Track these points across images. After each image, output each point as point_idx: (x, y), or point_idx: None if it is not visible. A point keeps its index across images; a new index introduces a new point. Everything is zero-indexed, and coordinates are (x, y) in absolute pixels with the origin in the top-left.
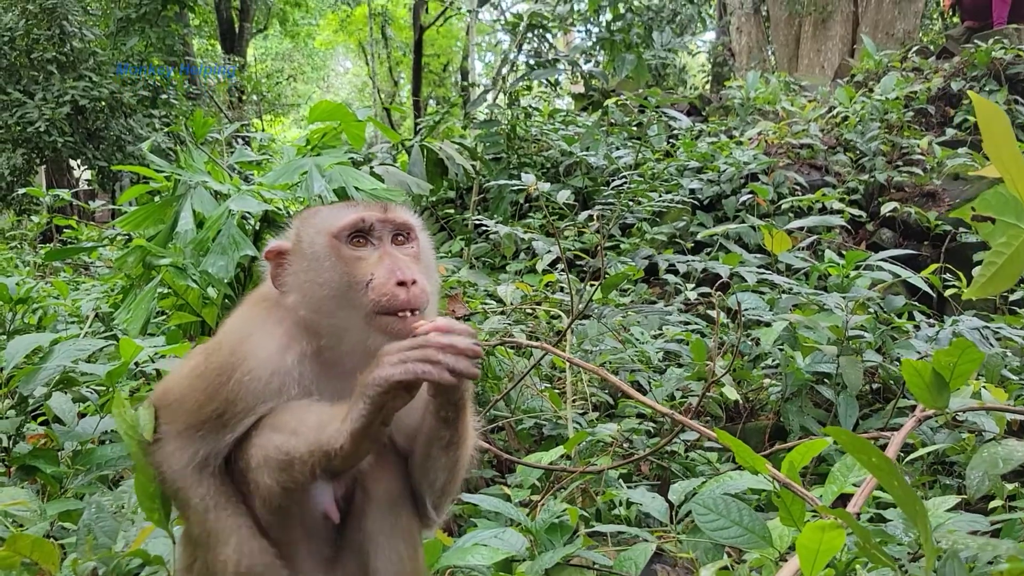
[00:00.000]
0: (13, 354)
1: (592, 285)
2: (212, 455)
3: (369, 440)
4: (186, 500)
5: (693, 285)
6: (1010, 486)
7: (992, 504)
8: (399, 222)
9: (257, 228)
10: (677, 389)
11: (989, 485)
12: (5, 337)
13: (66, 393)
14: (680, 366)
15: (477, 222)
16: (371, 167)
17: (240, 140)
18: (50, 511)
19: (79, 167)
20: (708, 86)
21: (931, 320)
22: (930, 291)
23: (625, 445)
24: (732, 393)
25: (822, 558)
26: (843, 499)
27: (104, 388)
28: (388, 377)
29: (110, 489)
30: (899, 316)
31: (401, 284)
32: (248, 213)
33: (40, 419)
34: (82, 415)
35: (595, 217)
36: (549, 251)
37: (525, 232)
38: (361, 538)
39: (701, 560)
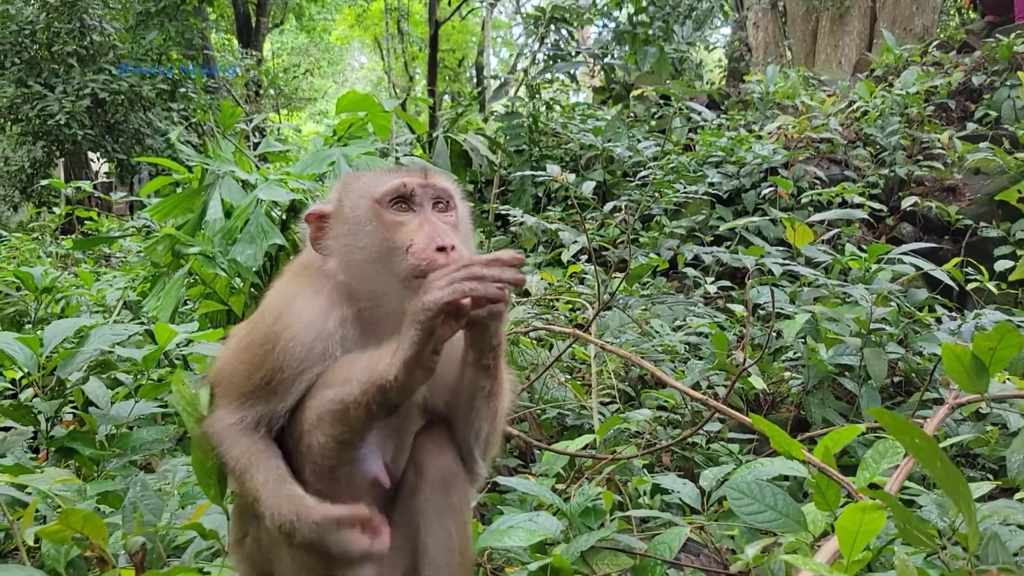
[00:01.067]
0: (51, 338)
1: (617, 276)
2: (262, 422)
3: (421, 370)
4: (226, 461)
5: (712, 279)
6: None
7: (1017, 496)
8: (439, 188)
9: (284, 218)
10: (699, 381)
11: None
12: (32, 326)
13: (101, 378)
14: (700, 358)
15: (499, 213)
16: (396, 158)
17: (259, 133)
18: (91, 491)
19: (98, 160)
20: (724, 81)
21: (953, 314)
22: (952, 284)
23: (647, 436)
24: (759, 382)
25: (861, 540)
26: (871, 489)
27: (137, 373)
28: (437, 300)
29: (141, 472)
30: (921, 309)
31: (441, 250)
32: (275, 202)
33: (69, 405)
34: (112, 402)
35: (621, 208)
36: (575, 241)
37: (551, 223)
38: (411, 514)
39: (737, 545)
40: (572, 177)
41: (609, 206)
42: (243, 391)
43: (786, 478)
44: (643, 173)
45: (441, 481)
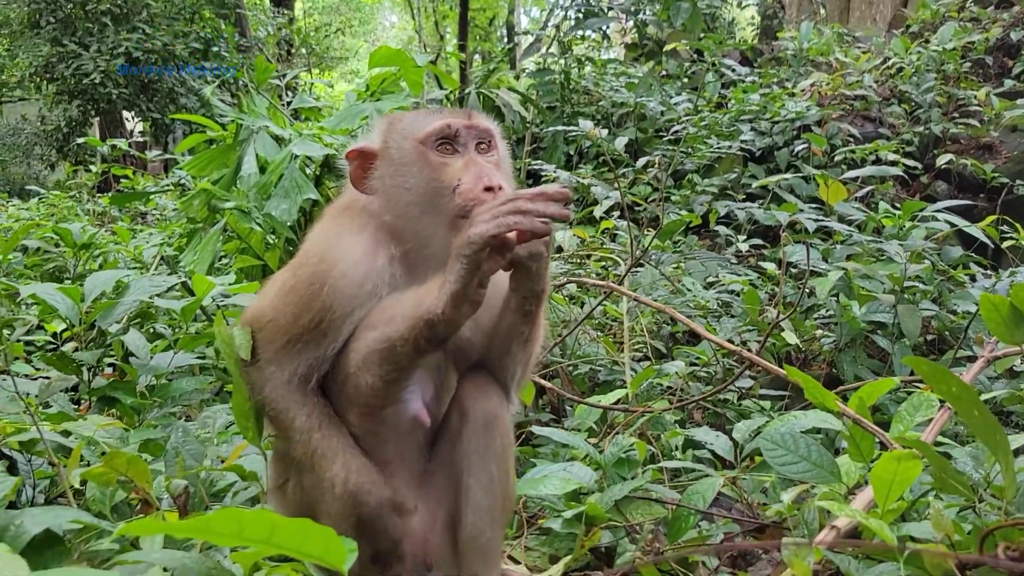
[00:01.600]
0: (91, 290)
1: (649, 233)
2: (312, 370)
3: (468, 303)
4: (289, 421)
5: (744, 237)
6: None
7: None
8: (482, 128)
9: (318, 173)
10: (731, 338)
11: None
12: (71, 282)
13: (140, 329)
14: (732, 316)
15: (530, 170)
16: None
17: (291, 92)
18: (132, 439)
19: (132, 119)
20: (757, 39)
21: (987, 271)
22: (987, 242)
23: (679, 392)
24: (792, 337)
25: (896, 489)
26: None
27: (175, 326)
28: (482, 234)
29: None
30: (955, 267)
31: (488, 189)
32: (309, 157)
33: (110, 356)
34: (151, 353)
35: (654, 163)
36: (607, 197)
37: (584, 179)
38: (455, 458)
39: (770, 497)
40: (604, 132)
41: (642, 161)
42: (290, 336)
43: (819, 432)
44: (675, 128)
45: (484, 425)
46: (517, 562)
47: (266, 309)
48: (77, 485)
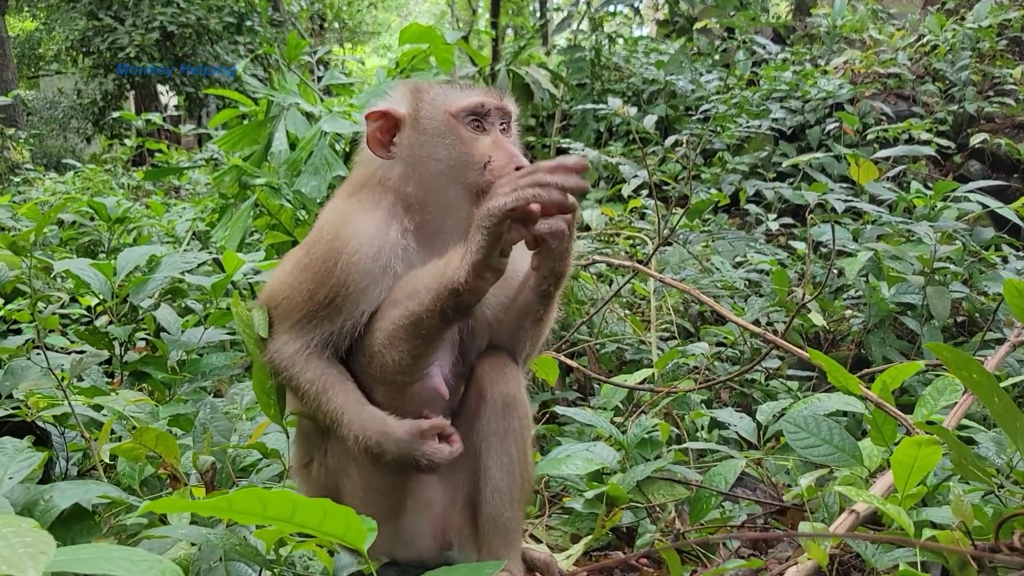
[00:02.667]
0: (124, 265)
1: (677, 211)
2: (327, 343)
3: (491, 270)
4: (297, 387)
5: (775, 216)
6: None
7: None
8: (509, 111)
9: (348, 150)
10: (758, 318)
11: None
12: (105, 256)
13: (172, 304)
14: (761, 295)
15: (560, 147)
16: None
17: (323, 67)
18: (162, 414)
19: (167, 93)
20: (791, 15)
21: (1020, 253)
22: (1020, 223)
23: (706, 372)
24: (818, 319)
25: (916, 474)
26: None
27: (206, 302)
28: (502, 206)
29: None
30: (987, 249)
31: (519, 169)
32: (339, 134)
33: (142, 331)
34: (182, 329)
35: (683, 142)
36: (636, 176)
37: (610, 157)
38: (475, 438)
39: (792, 478)
40: (633, 110)
41: (671, 140)
42: (305, 312)
43: (844, 414)
44: (705, 107)
45: (503, 406)
46: (539, 541)
47: (282, 286)
48: (108, 460)
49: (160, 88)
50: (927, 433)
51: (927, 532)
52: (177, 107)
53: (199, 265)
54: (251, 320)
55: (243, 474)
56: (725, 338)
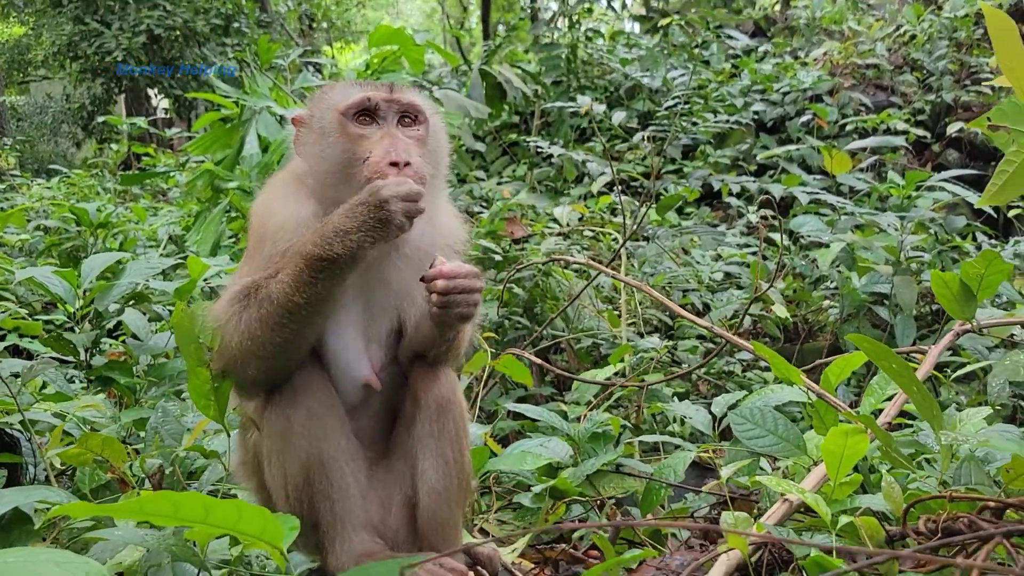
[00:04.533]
0: (89, 272)
1: (647, 206)
2: (252, 285)
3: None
4: (224, 334)
5: (756, 208)
6: None
7: None
8: (405, 103)
9: None
10: (735, 310)
11: (1009, 392)
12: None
13: (143, 311)
14: (740, 287)
15: (535, 146)
16: (431, 91)
17: (311, 67)
18: (124, 419)
19: (156, 96)
20: (778, 6)
21: (993, 240)
22: (993, 213)
23: (683, 364)
24: (781, 311)
25: (847, 462)
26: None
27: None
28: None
29: (182, 401)
30: (963, 237)
31: (394, 164)
32: None
33: (121, 337)
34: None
35: (648, 138)
36: (603, 173)
37: (586, 154)
38: (410, 442)
39: (740, 470)
40: (602, 108)
41: (638, 136)
42: (239, 277)
43: (799, 404)
44: (669, 103)
45: (438, 409)
46: (487, 534)
47: (238, 276)
48: (59, 465)
49: (150, 91)
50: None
51: (855, 519)
52: (167, 110)
53: (175, 268)
54: (189, 324)
55: (194, 476)
56: (703, 331)
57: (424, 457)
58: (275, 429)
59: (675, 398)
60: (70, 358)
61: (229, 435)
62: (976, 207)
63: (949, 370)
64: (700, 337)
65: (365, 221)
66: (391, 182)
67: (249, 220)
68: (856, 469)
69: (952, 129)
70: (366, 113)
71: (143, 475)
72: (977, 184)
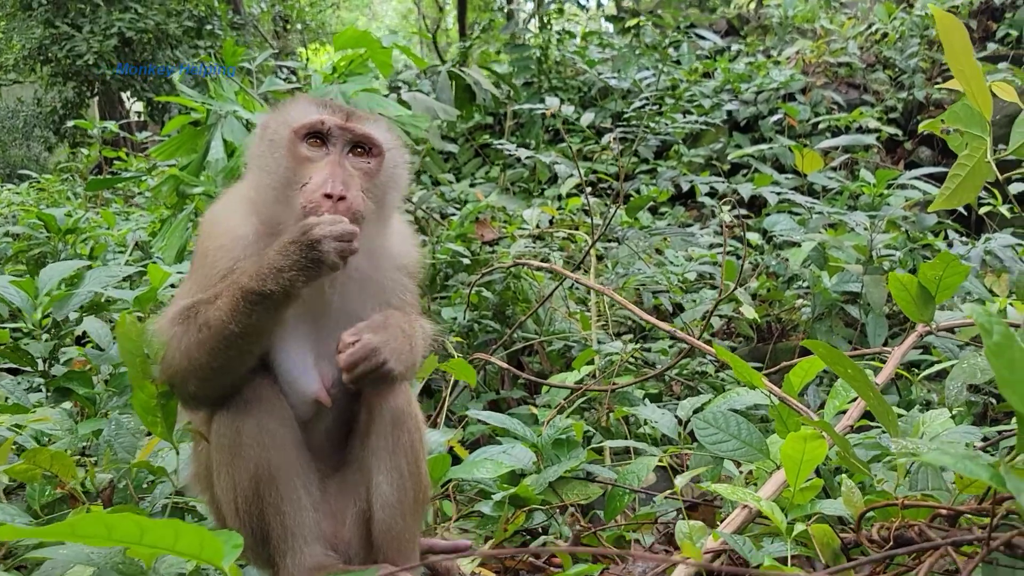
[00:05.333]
0: (47, 281)
1: (617, 208)
2: (192, 307)
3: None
4: (166, 351)
5: (730, 207)
6: None
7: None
8: (359, 133)
9: None
10: (704, 311)
11: (966, 396)
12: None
13: (105, 319)
14: (713, 287)
15: (497, 149)
16: (399, 94)
17: (283, 69)
18: (82, 430)
19: (129, 99)
20: (752, 5)
21: (964, 238)
22: (964, 211)
23: (656, 365)
24: (750, 312)
25: (806, 467)
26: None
27: (139, 313)
28: None
29: None
30: (934, 235)
31: (328, 196)
32: None
33: (89, 344)
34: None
35: (617, 140)
36: (572, 175)
37: (555, 155)
38: (365, 454)
39: (703, 475)
40: (569, 109)
41: (606, 138)
42: (189, 295)
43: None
44: (637, 104)
45: (392, 421)
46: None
47: (182, 292)
48: (7, 481)
49: (124, 95)
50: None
51: (808, 527)
52: (140, 113)
53: (141, 275)
54: (134, 338)
55: (148, 490)
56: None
57: (379, 470)
58: (224, 441)
59: (647, 400)
60: (28, 368)
61: (178, 452)
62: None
63: (919, 369)
64: (673, 337)
65: (298, 260)
66: (325, 220)
67: (198, 233)
68: (819, 473)
69: (924, 127)
70: (318, 136)
71: (95, 490)
72: None
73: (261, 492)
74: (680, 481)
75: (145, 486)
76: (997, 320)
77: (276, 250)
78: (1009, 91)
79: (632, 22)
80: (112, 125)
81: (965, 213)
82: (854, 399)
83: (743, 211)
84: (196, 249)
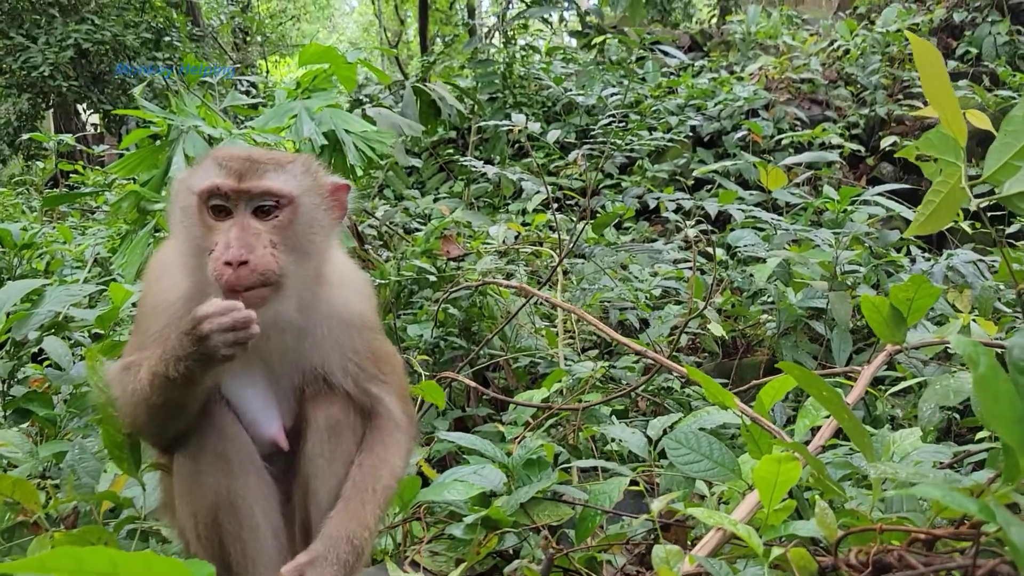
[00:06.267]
0: (6, 299)
1: (585, 224)
2: (127, 367)
3: None
4: (123, 392)
5: (693, 222)
6: None
7: (980, 435)
8: (257, 192)
9: None
10: (674, 326)
11: (940, 418)
12: (12, 282)
13: (62, 337)
14: (679, 303)
15: (463, 165)
16: (363, 109)
17: (245, 83)
18: (43, 453)
19: (86, 111)
20: (714, 20)
21: (927, 254)
22: None
23: (623, 384)
24: (718, 329)
25: (780, 489)
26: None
27: (101, 332)
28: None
29: None
30: (898, 251)
31: (228, 264)
32: None
33: (46, 362)
34: (83, 358)
35: (581, 157)
36: (538, 192)
37: (521, 171)
38: (302, 462)
39: (675, 495)
40: (536, 126)
41: (573, 155)
42: (135, 344)
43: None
44: (604, 122)
45: (328, 428)
46: (419, 566)
47: (127, 344)
48: None
49: (80, 107)
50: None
51: (787, 551)
52: (96, 126)
53: (100, 293)
54: (103, 375)
55: (113, 515)
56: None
57: (316, 478)
58: (183, 471)
59: (613, 416)
60: None
61: (144, 488)
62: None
63: (884, 385)
64: (641, 355)
65: (191, 352)
66: (214, 312)
67: (142, 282)
68: (790, 493)
69: (886, 143)
70: (219, 198)
71: (57, 515)
72: (911, 197)
73: (220, 520)
74: (657, 505)
75: (112, 508)
76: (983, 351)
77: (174, 339)
78: (983, 119)
79: (599, 39)
80: (69, 138)
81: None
82: (826, 417)
83: (707, 226)
84: (139, 301)
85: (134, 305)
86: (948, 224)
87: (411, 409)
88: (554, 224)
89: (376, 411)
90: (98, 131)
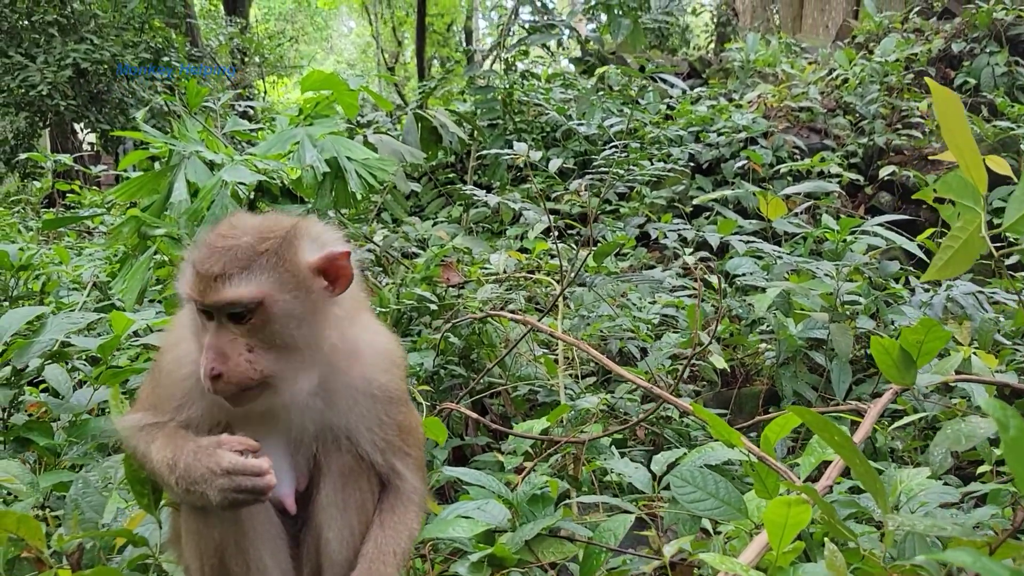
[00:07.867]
0: (8, 326)
1: (585, 252)
2: (143, 430)
3: None
4: (135, 453)
5: (692, 249)
6: (998, 451)
7: (980, 469)
8: (224, 303)
9: (251, 198)
10: (669, 357)
11: (951, 463)
12: (8, 304)
13: (63, 364)
14: (676, 332)
15: (486, 186)
16: (365, 136)
17: (242, 105)
18: (43, 483)
19: (83, 130)
20: (712, 46)
21: (926, 285)
22: (926, 257)
23: (622, 413)
24: (719, 361)
25: (789, 532)
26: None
27: (99, 359)
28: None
29: (109, 457)
30: (896, 281)
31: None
32: (242, 183)
33: (42, 386)
34: (82, 383)
35: (584, 187)
36: (540, 220)
37: (522, 199)
38: (315, 512)
39: (680, 531)
40: (538, 155)
41: (574, 184)
42: (144, 405)
43: (738, 463)
44: (607, 152)
45: (340, 476)
46: None
47: (146, 377)
48: None
49: (76, 126)
50: (796, 492)
51: None
52: (93, 145)
53: (98, 321)
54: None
55: (117, 551)
56: (643, 376)
57: (329, 527)
58: (192, 510)
59: (613, 447)
60: None
61: (160, 526)
62: (910, 254)
63: (886, 418)
64: (642, 387)
65: (203, 480)
66: (235, 470)
67: (161, 339)
68: (799, 535)
69: (884, 172)
70: (199, 305)
71: (61, 550)
72: (909, 227)
73: (226, 562)
74: (669, 550)
75: (113, 545)
76: (1013, 414)
77: (191, 452)
78: (1003, 165)
79: (601, 70)
80: (66, 158)
81: (926, 259)
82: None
83: (705, 253)
84: (155, 360)
85: (135, 334)
86: (965, 269)
87: (426, 476)
88: (554, 252)
89: (395, 480)
90: (95, 150)
